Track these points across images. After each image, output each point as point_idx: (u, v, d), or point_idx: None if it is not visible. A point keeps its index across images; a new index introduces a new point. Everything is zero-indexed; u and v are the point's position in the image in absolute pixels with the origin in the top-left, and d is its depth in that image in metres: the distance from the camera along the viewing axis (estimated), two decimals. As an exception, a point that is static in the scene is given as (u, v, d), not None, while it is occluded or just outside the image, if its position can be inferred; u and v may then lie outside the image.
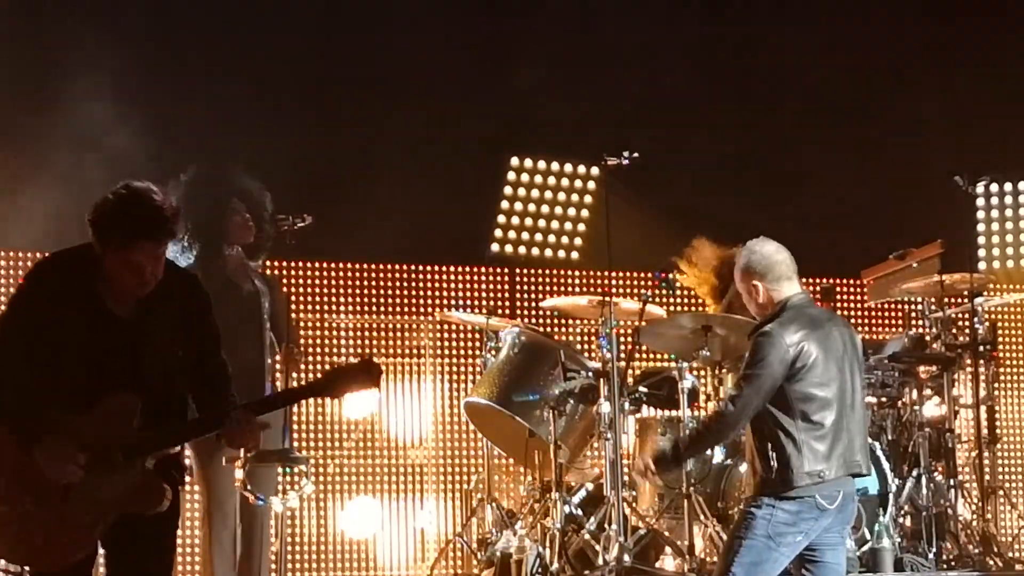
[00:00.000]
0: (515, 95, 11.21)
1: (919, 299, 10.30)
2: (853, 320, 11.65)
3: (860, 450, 6.48)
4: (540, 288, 11.46)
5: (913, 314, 11.56)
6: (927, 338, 9.87)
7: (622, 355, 8.89)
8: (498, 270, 11.44)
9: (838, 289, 11.52)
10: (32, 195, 9.67)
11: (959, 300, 10.28)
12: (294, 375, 8.57)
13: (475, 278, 11.34)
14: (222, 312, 5.73)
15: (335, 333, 10.96)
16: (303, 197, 9.34)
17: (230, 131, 10.08)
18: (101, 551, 5.55)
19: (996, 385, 10.51)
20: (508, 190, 11.59)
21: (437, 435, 11.01)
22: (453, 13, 11.29)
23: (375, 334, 11.03)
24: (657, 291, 9.89)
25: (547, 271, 11.54)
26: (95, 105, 9.57)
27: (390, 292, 11.11)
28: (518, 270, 11.49)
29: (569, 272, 11.53)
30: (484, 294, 11.28)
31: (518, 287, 11.46)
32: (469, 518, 9.72)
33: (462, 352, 11.12)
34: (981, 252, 12.13)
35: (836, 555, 6.53)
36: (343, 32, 11.00)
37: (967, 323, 10.18)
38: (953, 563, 9.18)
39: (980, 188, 11.60)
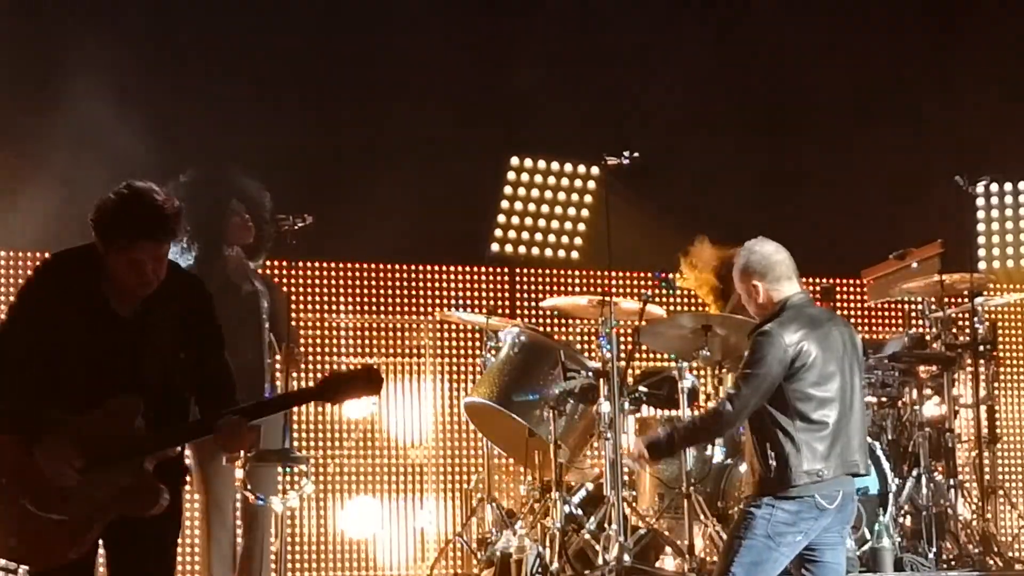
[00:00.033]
0: (515, 95, 11.21)
1: (919, 299, 10.30)
2: (853, 320, 11.64)
3: (858, 450, 6.48)
4: (540, 288, 11.47)
5: (913, 314, 11.54)
6: (927, 338, 9.87)
7: (622, 355, 8.89)
8: (498, 270, 11.44)
9: (838, 289, 11.53)
10: (32, 195, 9.67)
11: (959, 300, 10.28)
12: (294, 375, 8.57)
13: (475, 278, 11.34)
14: (221, 312, 5.72)
15: (335, 333, 10.96)
16: (303, 197, 9.35)
17: (230, 131, 10.09)
18: (102, 551, 5.56)
19: (996, 385, 10.52)
20: (508, 190, 11.59)
21: (437, 435, 11.01)
22: (453, 13, 11.29)
23: (375, 334, 11.03)
24: (657, 291, 9.91)
25: (547, 271, 11.54)
26: (95, 105, 9.57)
27: (390, 292, 11.11)
28: (518, 270, 11.49)
29: (569, 272, 11.53)
30: (484, 294, 11.28)
31: (518, 287, 11.46)
32: (469, 518, 9.72)
33: (462, 352, 11.12)
34: (981, 252, 12.13)
35: (836, 555, 6.53)
36: (343, 32, 11.00)
37: (967, 323, 10.18)
38: (953, 563, 9.18)
39: (980, 188, 11.60)
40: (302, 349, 9.37)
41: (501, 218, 11.53)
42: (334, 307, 10.96)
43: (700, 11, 11.87)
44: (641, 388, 9.06)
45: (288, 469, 8.24)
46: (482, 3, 11.56)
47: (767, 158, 11.85)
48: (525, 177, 11.63)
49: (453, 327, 11.08)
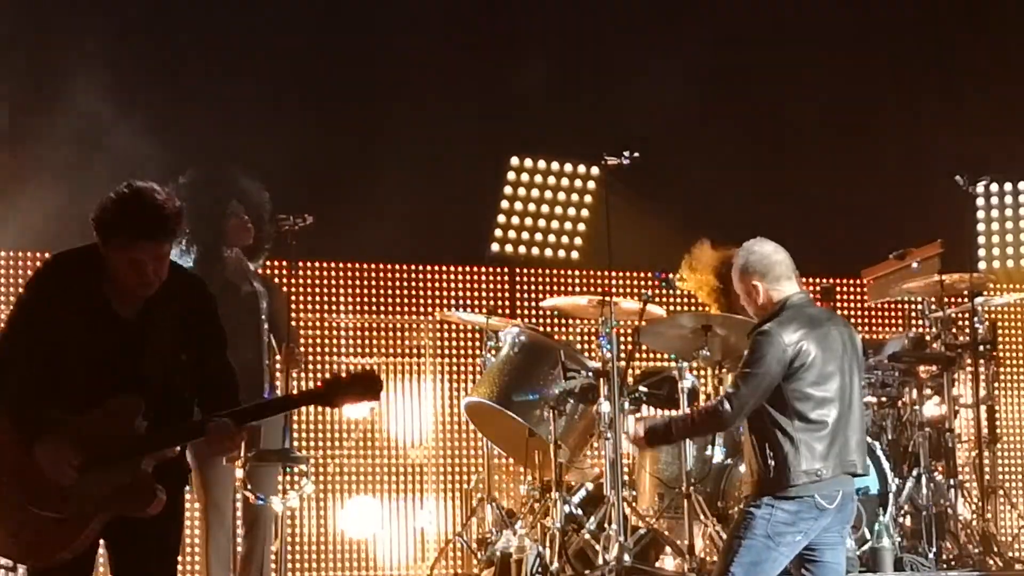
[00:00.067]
0: (515, 95, 11.21)
1: (919, 299, 10.31)
2: (853, 320, 11.63)
3: (856, 449, 6.47)
4: (540, 288, 11.47)
5: (913, 314, 11.57)
6: (927, 338, 9.87)
7: (622, 355, 8.89)
8: (498, 270, 11.44)
9: (838, 289, 11.52)
10: (32, 195, 9.67)
11: (959, 300, 10.28)
12: (294, 375, 8.57)
13: (475, 278, 11.34)
14: (220, 313, 5.72)
15: (335, 333, 10.96)
16: (303, 197, 9.35)
17: (230, 131, 10.09)
18: (102, 551, 5.56)
19: (996, 385, 10.52)
20: (508, 190, 11.58)
21: (437, 435, 11.01)
22: (453, 13, 11.29)
23: (375, 334, 11.03)
24: (657, 291, 9.91)
25: (547, 271, 11.54)
26: (95, 105, 9.58)
27: (390, 292, 11.11)
28: (518, 270, 11.49)
29: (569, 272, 11.53)
30: (484, 294, 11.28)
31: (518, 287, 11.46)
32: (469, 518, 9.72)
33: (462, 352, 11.12)
34: (981, 252, 12.12)
35: (836, 555, 6.53)
36: (343, 32, 11.00)
37: (967, 323, 10.18)
38: (953, 563, 9.18)
39: (980, 188, 11.58)
40: (302, 349, 9.36)
41: (501, 218, 11.53)
42: (334, 307, 10.96)
43: (700, 11, 11.86)
44: (641, 388, 9.05)
45: (288, 469, 8.23)
46: (482, 3, 11.56)
47: (767, 158, 11.85)
48: (525, 177, 11.62)
49: (453, 327, 11.08)
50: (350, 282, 11.03)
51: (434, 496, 10.93)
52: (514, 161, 11.61)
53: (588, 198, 11.61)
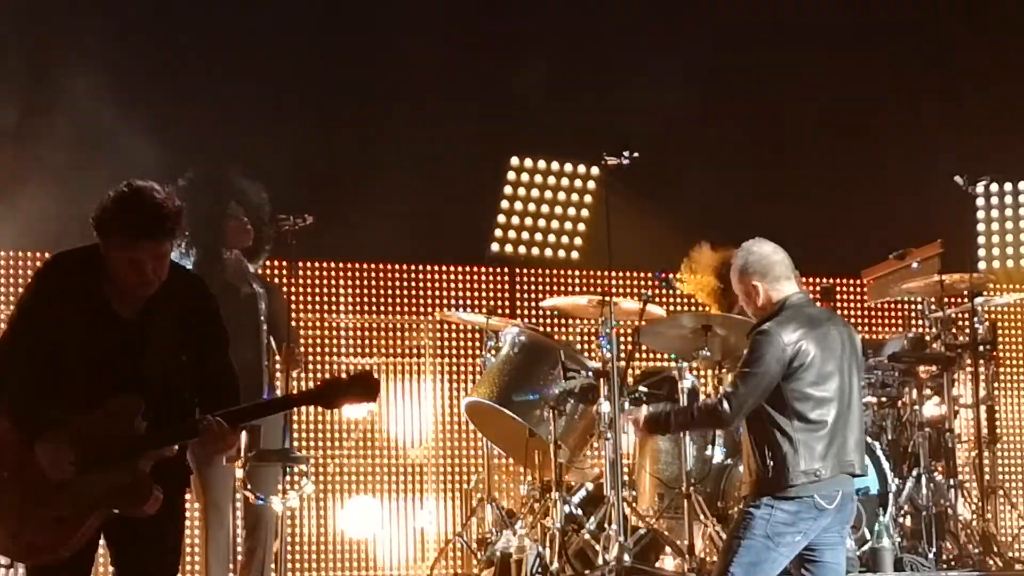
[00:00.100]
0: (515, 95, 11.21)
1: (919, 299, 10.30)
2: (853, 320, 11.64)
3: (854, 449, 6.47)
4: (540, 288, 11.46)
5: (913, 314, 11.57)
6: (927, 338, 9.87)
7: (622, 355, 8.89)
8: (498, 270, 11.44)
9: (838, 289, 11.52)
10: (32, 195, 9.67)
11: (959, 300, 10.28)
12: (295, 375, 8.57)
13: (475, 278, 11.34)
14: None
15: (335, 333, 10.96)
16: (303, 197, 9.36)
17: (230, 131, 10.09)
18: (102, 551, 5.57)
19: (996, 385, 10.52)
20: (508, 190, 11.58)
21: (437, 435, 11.01)
22: (453, 13, 11.29)
23: (375, 334, 11.03)
24: (657, 291, 9.91)
25: (547, 271, 11.54)
26: (95, 105, 9.57)
27: (390, 292, 11.11)
28: (518, 270, 11.49)
29: (569, 272, 11.53)
30: (484, 294, 11.28)
31: (518, 287, 11.46)
32: (469, 518, 9.72)
33: (462, 352, 11.12)
34: (981, 252, 12.12)
35: (835, 555, 6.53)
36: (343, 32, 11.00)
37: (967, 323, 10.18)
38: (953, 563, 9.18)
39: (980, 188, 11.58)
40: (302, 349, 9.37)
41: (501, 218, 11.53)
42: (334, 307, 10.96)
43: (701, 11, 11.86)
44: (641, 388, 9.05)
45: (288, 469, 8.23)
46: (482, 3, 11.56)
47: (767, 158, 11.85)
48: (525, 177, 11.62)
49: (453, 327, 11.08)
50: (350, 282, 11.03)
51: (434, 496, 10.93)
52: (514, 161, 11.61)
53: (588, 198, 11.61)
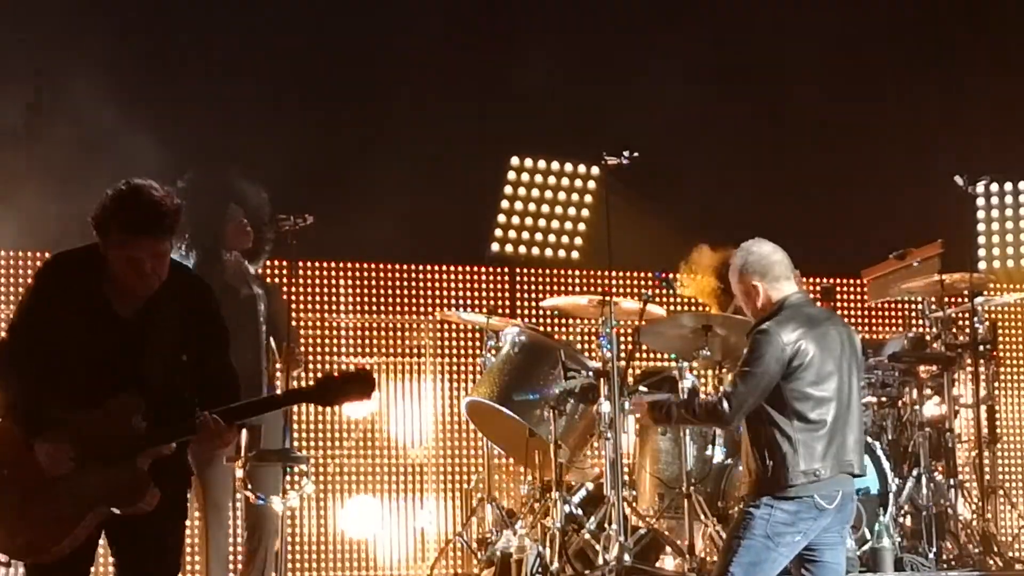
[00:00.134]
0: (515, 95, 11.21)
1: (919, 299, 10.31)
2: (853, 320, 11.66)
3: (853, 449, 6.47)
4: (540, 288, 11.47)
5: (913, 314, 11.57)
6: (927, 338, 9.87)
7: (622, 355, 8.89)
8: (498, 270, 11.44)
9: (838, 289, 11.52)
10: (32, 195, 9.67)
11: (959, 300, 10.28)
12: (295, 375, 8.57)
13: (475, 278, 11.34)
14: (219, 316, 5.73)
15: (335, 333, 10.96)
16: (303, 197, 9.35)
17: (230, 131, 10.09)
18: (102, 551, 5.57)
19: (996, 385, 10.51)
20: (508, 190, 11.58)
21: (437, 435, 11.01)
22: (453, 13, 11.29)
23: (375, 334, 11.03)
24: (657, 291, 9.90)
25: (547, 271, 11.54)
26: (95, 105, 9.57)
27: (390, 292, 11.11)
28: (518, 270, 11.49)
29: (569, 272, 11.53)
30: (484, 294, 11.28)
31: (518, 287, 11.46)
32: (469, 518, 9.72)
33: (462, 352, 11.12)
34: (981, 252, 12.12)
35: (835, 555, 6.53)
36: (343, 32, 11.00)
37: (967, 323, 10.18)
38: (953, 563, 9.18)
39: (980, 188, 11.58)
40: (302, 349, 9.36)
41: (501, 218, 11.53)
42: (334, 307, 10.96)
43: (701, 11, 11.87)
44: (641, 388, 9.04)
45: (288, 469, 8.23)
46: (482, 3, 11.56)
47: (767, 158, 11.85)
48: (525, 177, 11.62)
49: (453, 327, 11.08)
50: (350, 282, 11.03)
51: (434, 496, 10.93)
52: (514, 161, 11.61)
53: (588, 198, 11.61)
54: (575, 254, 11.61)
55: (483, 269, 11.37)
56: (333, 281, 10.99)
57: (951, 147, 11.58)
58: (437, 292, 11.18)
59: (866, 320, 12.06)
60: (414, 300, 11.12)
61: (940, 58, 12.19)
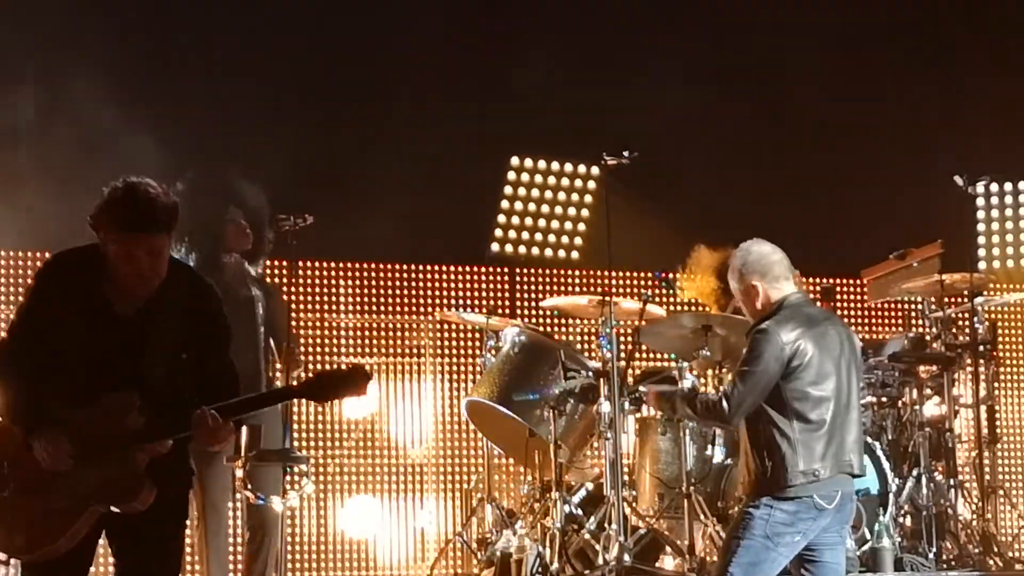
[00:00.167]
0: (515, 95, 11.21)
1: (919, 299, 10.31)
2: (853, 320, 11.66)
3: (852, 449, 6.47)
4: (540, 288, 11.46)
5: (913, 314, 11.57)
6: (927, 338, 9.87)
7: (622, 355, 8.89)
8: (498, 270, 11.44)
9: (838, 289, 11.53)
10: (32, 195, 9.67)
11: (959, 300, 10.28)
12: (295, 375, 8.56)
13: (475, 278, 11.34)
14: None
15: (335, 333, 10.96)
16: (303, 197, 9.35)
17: (230, 131, 10.10)
18: (102, 551, 5.57)
19: (996, 385, 10.51)
20: (508, 190, 11.59)
21: (437, 435, 11.01)
22: (453, 13, 11.29)
23: (375, 334, 11.03)
24: (657, 291, 9.90)
25: (547, 271, 11.54)
26: (95, 105, 9.57)
27: (390, 292, 11.11)
28: (518, 270, 11.49)
29: (569, 272, 11.53)
30: (484, 294, 11.28)
31: (518, 287, 11.46)
32: (469, 518, 9.72)
33: (462, 352, 11.12)
34: (981, 252, 12.12)
35: (835, 555, 6.53)
36: (343, 32, 11.00)
37: (967, 323, 10.18)
38: (953, 563, 9.18)
39: (980, 188, 11.58)
40: (302, 350, 9.36)
41: (501, 218, 11.53)
42: (334, 307, 10.96)
43: (701, 11, 11.86)
44: (641, 388, 9.04)
45: (288, 469, 8.24)
46: (482, 3, 11.56)
47: (767, 158, 11.85)
48: (525, 177, 11.62)
49: (453, 327, 11.08)
50: (350, 282, 11.03)
51: (434, 496, 10.93)
52: (514, 161, 11.61)
53: (588, 198, 11.61)
54: (575, 254, 11.61)
55: (483, 269, 11.37)
56: (333, 281, 10.99)
57: (951, 147, 11.58)
58: (437, 292, 11.18)
59: (866, 320, 12.05)
60: (414, 300, 11.12)
61: (940, 58, 12.18)
